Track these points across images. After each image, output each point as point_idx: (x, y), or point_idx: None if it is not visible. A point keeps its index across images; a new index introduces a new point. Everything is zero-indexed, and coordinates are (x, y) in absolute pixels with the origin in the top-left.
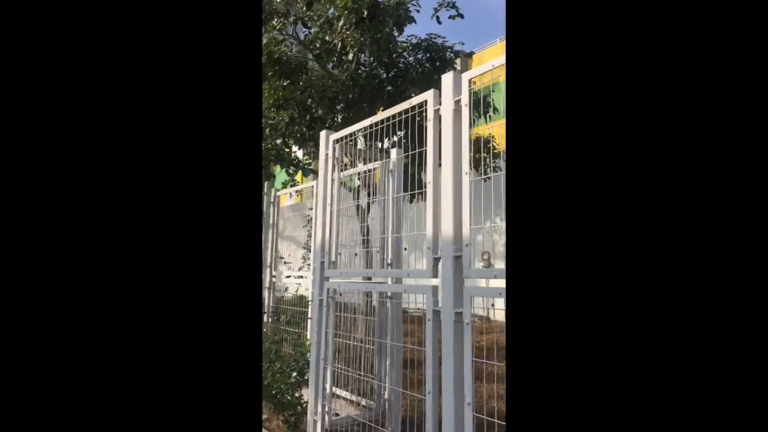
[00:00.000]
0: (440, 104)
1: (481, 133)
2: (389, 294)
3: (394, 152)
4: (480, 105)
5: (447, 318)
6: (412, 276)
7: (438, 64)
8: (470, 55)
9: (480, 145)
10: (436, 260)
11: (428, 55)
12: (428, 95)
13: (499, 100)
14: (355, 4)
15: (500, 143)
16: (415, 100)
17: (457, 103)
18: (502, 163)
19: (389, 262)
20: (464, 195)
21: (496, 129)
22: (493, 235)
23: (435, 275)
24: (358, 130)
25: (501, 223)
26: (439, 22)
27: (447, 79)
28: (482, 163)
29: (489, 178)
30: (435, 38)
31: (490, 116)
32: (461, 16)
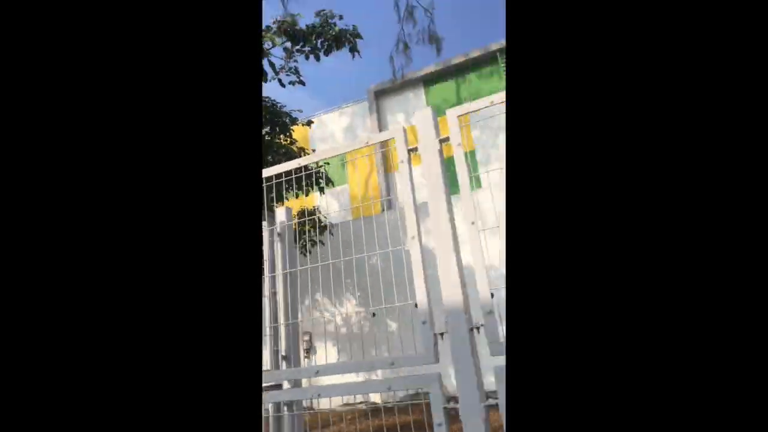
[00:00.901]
0: (410, 143)
1: (306, 205)
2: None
3: (281, 211)
4: (312, 177)
5: (471, 411)
6: (399, 365)
7: (278, 130)
8: (309, 123)
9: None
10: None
11: (266, 117)
12: (397, 132)
13: (331, 172)
14: None
15: (326, 216)
16: (380, 136)
17: (444, 141)
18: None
19: (284, 354)
20: (474, 249)
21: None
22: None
23: (436, 359)
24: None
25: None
26: (283, 86)
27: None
28: (307, 235)
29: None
30: (274, 103)
31: (322, 188)
32: (302, 83)
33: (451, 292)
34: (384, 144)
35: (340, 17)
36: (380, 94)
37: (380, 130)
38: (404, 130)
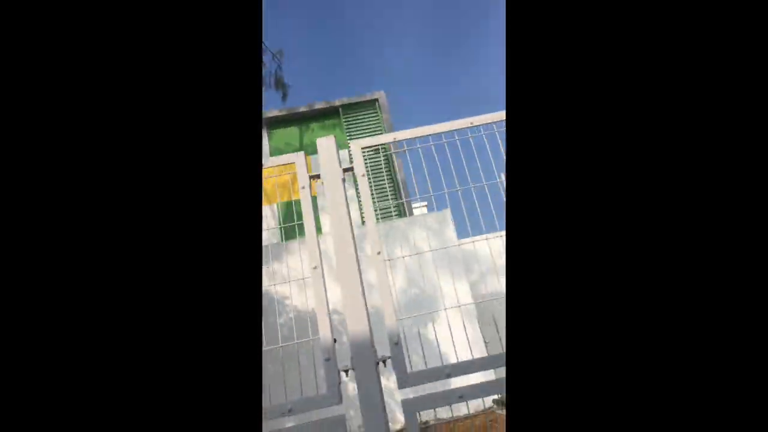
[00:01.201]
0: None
1: None
2: None
3: None
4: None
5: None
6: (298, 411)
7: None
8: None
9: None
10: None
11: None
12: (297, 157)
13: None
14: None
15: None
16: (279, 160)
17: (347, 171)
18: None
19: None
20: (379, 278)
21: None
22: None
23: (339, 399)
24: None
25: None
26: None
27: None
28: None
29: None
30: None
31: None
32: None
33: (356, 324)
34: None
35: None
36: None
37: None
38: (304, 156)
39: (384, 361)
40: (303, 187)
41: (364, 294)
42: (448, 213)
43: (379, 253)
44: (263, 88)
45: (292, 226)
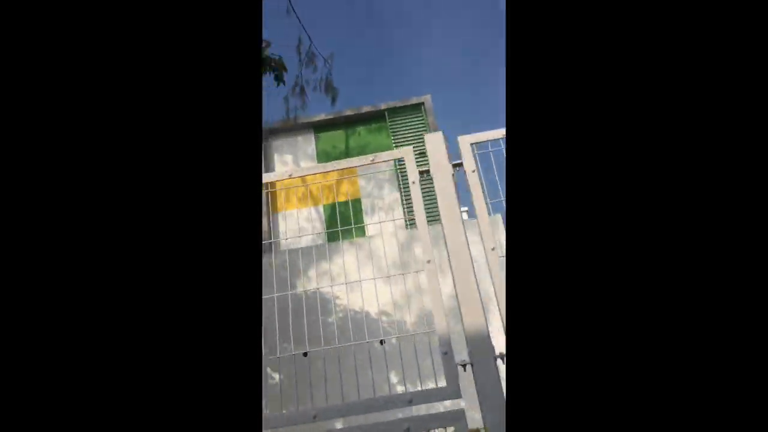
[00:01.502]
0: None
1: None
2: None
3: None
4: None
5: None
6: (418, 402)
7: None
8: None
9: None
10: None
11: None
12: (406, 152)
13: None
14: None
15: None
16: (388, 155)
17: (457, 167)
18: None
19: None
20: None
21: None
22: None
23: (458, 393)
24: None
25: None
26: None
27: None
28: None
29: None
30: None
31: None
32: None
33: (472, 320)
34: (270, 185)
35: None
36: (267, 133)
37: (266, 170)
38: (412, 151)
39: (503, 358)
40: (413, 182)
41: (478, 288)
42: (499, 218)
43: (493, 249)
44: (313, 92)
45: (336, 228)
